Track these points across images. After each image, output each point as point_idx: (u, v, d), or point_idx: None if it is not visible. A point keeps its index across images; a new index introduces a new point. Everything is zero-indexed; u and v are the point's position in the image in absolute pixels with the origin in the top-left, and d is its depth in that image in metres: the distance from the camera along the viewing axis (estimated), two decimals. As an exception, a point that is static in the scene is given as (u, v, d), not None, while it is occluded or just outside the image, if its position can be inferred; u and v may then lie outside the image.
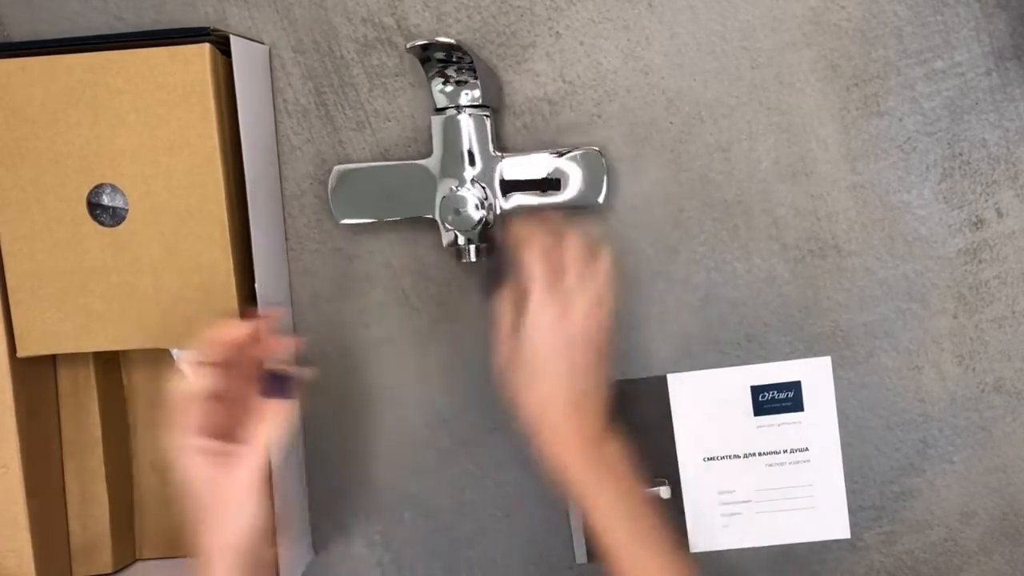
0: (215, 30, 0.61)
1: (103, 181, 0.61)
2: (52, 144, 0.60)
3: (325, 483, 0.70)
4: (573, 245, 0.57)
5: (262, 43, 0.66)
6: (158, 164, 0.60)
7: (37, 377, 0.65)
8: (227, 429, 0.53)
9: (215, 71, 0.60)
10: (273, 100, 0.67)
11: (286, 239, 0.68)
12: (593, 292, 0.56)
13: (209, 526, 0.52)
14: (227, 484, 0.52)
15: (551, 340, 0.54)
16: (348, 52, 0.66)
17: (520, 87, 0.65)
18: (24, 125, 0.60)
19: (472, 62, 0.58)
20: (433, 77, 0.61)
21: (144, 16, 0.67)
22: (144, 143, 0.60)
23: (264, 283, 0.63)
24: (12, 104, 0.60)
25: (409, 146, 0.66)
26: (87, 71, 0.60)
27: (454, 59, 0.58)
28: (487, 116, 0.62)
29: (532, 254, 0.55)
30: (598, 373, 0.56)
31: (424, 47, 0.57)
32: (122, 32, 0.66)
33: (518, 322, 0.55)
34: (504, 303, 0.57)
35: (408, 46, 0.57)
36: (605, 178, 0.62)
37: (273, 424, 0.54)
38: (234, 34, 0.61)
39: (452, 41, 0.56)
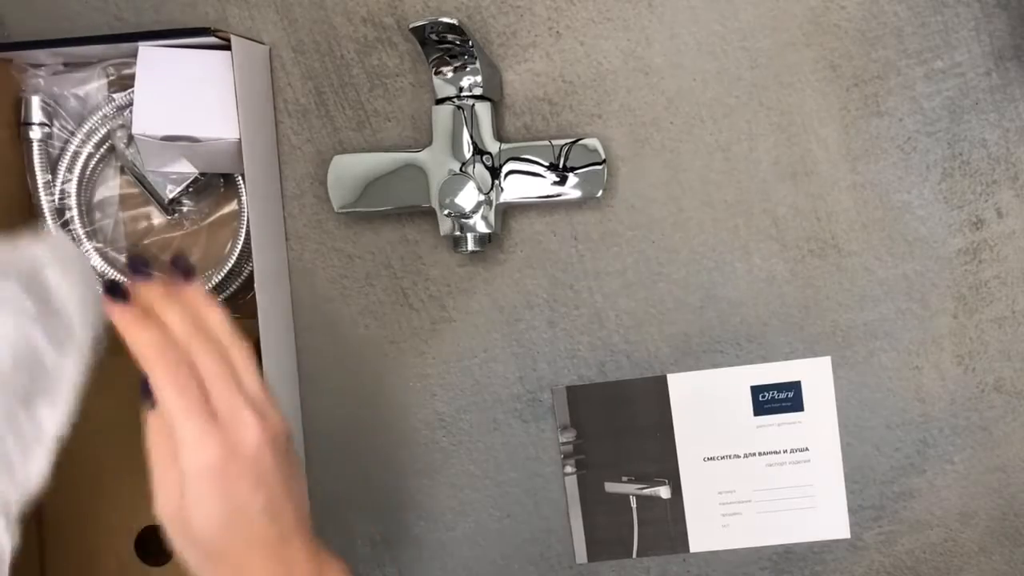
0: (215, 30, 0.61)
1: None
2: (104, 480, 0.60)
3: (325, 483, 0.70)
4: (210, 360, 0.44)
5: (262, 43, 0.66)
6: None
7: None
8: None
9: None
10: (273, 100, 0.67)
11: (286, 239, 0.68)
12: (253, 403, 0.45)
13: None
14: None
15: (230, 486, 0.43)
16: (348, 52, 0.66)
17: (520, 87, 0.65)
18: (84, 465, 0.60)
19: (473, 45, 0.58)
20: (434, 62, 0.61)
21: (144, 16, 0.67)
22: None
23: (264, 283, 0.63)
24: (74, 442, 0.60)
25: (409, 146, 0.66)
26: None
27: (455, 42, 0.58)
28: (488, 101, 0.62)
29: (166, 392, 0.43)
30: (294, 486, 0.46)
31: (425, 28, 0.57)
32: (122, 32, 0.66)
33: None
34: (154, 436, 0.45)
35: (410, 26, 0.57)
36: (605, 169, 0.62)
37: None
38: (234, 34, 0.61)
39: (453, 21, 0.56)
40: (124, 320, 0.44)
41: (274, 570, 0.45)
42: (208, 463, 0.43)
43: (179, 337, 0.44)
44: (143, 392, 0.44)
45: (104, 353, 0.60)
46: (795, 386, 0.65)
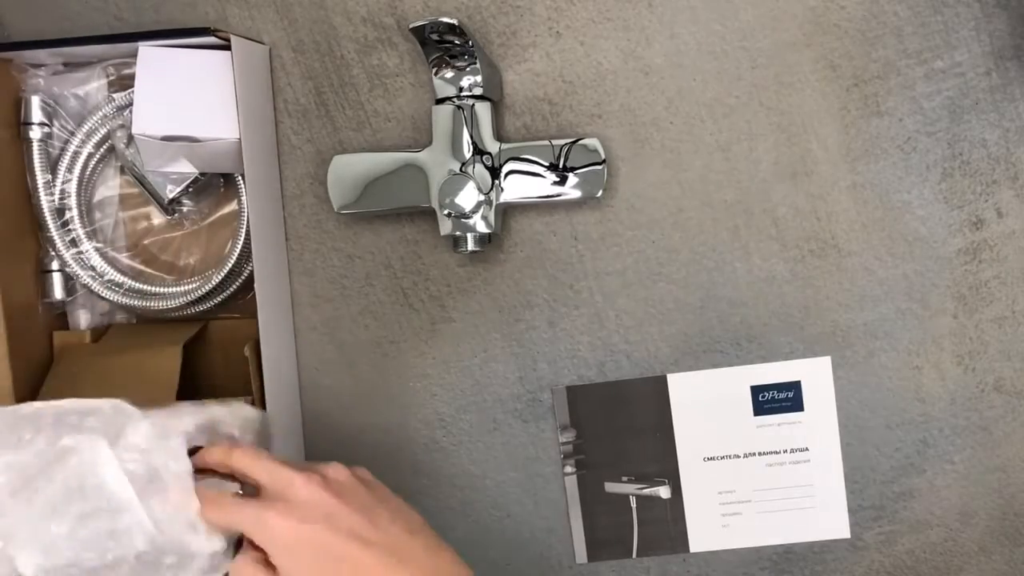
0: (215, 30, 0.61)
1: None
2: None
3: (325, 483, 0.70)
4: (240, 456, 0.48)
5: (262, 43, 0.66)
6: None
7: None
8: None
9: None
10: (273, 100, 0.67)
11: (286, 239, 0.68)
12: (290, 464, 0.48)
13: None
14: None
15: (314, 554, 0.45)
16: (348, 52, 0.66)
17: (520, 87, 0.65)
18: None
19: (473, 45, 0.58)
20: (434, 62, 0.61)
21: (144, 16, 0.67)
22: None
23: (264, 283, 0.63)
24: None
25: (409, 146, 0.66)
26: None
27: (455, 42, 0.58)
28: (488, 101, 0.62)
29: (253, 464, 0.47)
30: (397, 519, 0.48)
31: (425, 28, 0.57)
32: (122, 32, 0.66)
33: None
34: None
35: (410, 27, 0.57)
36: (605, 169, 0.62)
37: None
38: (234, 34, 0.61)
39: (453, 21, 0.56)
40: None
41: None
42: (276, 530, 0.45)
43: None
44: None
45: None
46: (795, 386, 0.65)
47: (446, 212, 0.61)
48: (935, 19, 0.62)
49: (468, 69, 0.61)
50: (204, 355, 0.69)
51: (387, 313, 0.68)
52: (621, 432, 0.67)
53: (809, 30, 0.63)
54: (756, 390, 0.66)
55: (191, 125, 0.62)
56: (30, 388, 0.65)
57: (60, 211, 0.67)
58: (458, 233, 0.62)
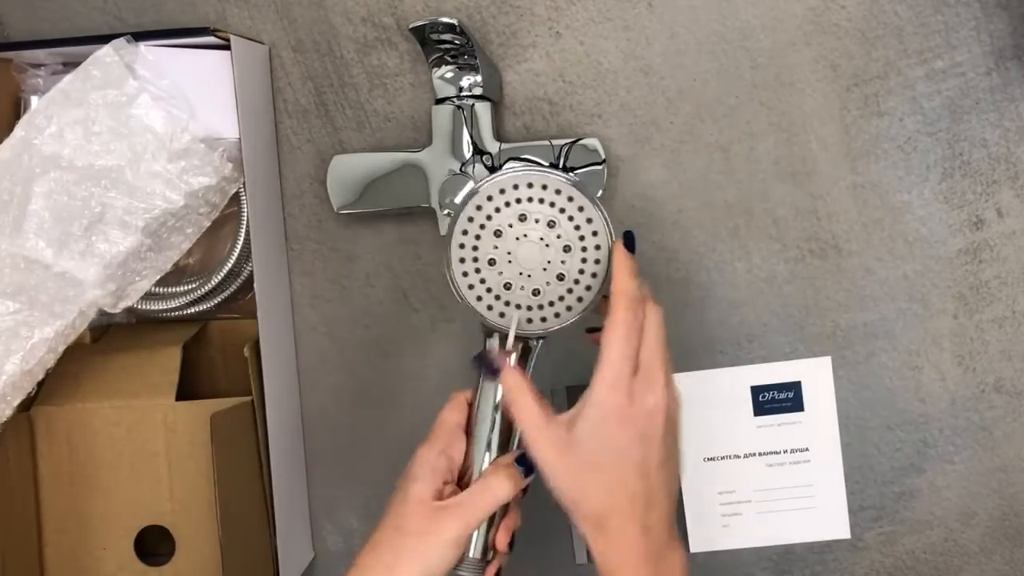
0: (215, 30, 0.61)
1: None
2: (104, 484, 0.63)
3: (325, 483, 0.70)
4: (655, 326, 0.50)
5: (262, 43, 0.66)
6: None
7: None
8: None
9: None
10: (273, 100, 0.67)
11: (286, 239, 0.68)
12: (667, 379, 0.50)
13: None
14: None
15: (620, 430, 0.48)
16: (348, 52, 0.66)
17: (520, 87, 0.65)
18: (82, 465, 0.63)
19: (473, 46, 0.58)
20: (433, 62, 0.61)
21: (144, 16, 0.67)
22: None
23: (264, 283, 0.63)
24: (73, 443, 0.63)
25: (409, 146, 0.66)
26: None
27: (455, 42, 0.58)
28: (488, 101, 0.62)
29: (616, 332, 0.49)
30: (668, 474, 0.49)
31: (425, 27, 0.57)
32: (121, 32, 0.66)
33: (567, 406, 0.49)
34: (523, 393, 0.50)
35: (410, 27, 0.57)
36: (605, 169, 0.62)
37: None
38: (234, 34, 0.61)
39: (453, 21, 0.56)
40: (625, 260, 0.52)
41: (630, 518, 0.48)
42: (614, 400, 0.47)
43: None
44: (484, 367, 0.53)
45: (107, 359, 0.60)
46: (795, 386, 0.65)
47: (446, 212, 0.61)
48: (935, 19, 0.62)
49: (468, 69, 0.61)
50: (204, 355, 0.69)
51: (387, 313, 0.68)
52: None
53: (809, 30, 0.63)
54: (756, 390, 0.66)
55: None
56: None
57: (60, 211, 0.67)
58: None
